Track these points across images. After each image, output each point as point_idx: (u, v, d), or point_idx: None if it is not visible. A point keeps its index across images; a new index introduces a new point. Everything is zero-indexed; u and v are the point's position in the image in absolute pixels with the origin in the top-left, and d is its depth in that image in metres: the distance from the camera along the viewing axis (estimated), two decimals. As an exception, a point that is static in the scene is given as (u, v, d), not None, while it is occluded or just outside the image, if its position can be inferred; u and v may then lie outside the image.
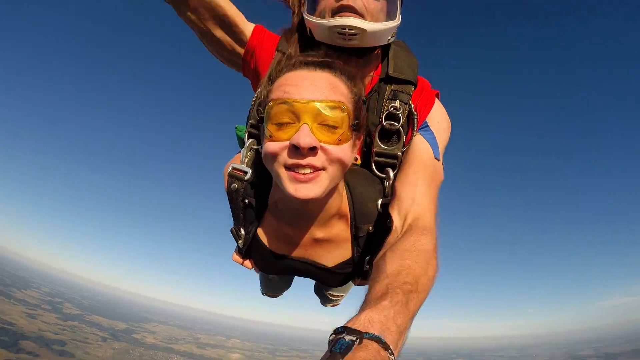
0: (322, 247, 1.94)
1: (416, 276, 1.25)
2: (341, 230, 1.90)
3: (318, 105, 1.50)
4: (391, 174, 1.90)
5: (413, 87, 1.98)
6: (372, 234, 1.88)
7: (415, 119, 1.93)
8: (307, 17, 1.92)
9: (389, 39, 1.94)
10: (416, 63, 2.06)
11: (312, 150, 1.48)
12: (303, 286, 2.67)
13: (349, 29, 1.77)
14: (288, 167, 1.51)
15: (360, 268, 2.00)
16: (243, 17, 2.07)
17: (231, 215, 2.04)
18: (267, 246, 2.00)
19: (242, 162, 1.92)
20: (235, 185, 1.88)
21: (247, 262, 2.20)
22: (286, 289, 3.37)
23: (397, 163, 1.92)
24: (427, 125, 1.95)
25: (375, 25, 1.82)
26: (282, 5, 2.16)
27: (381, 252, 1.45)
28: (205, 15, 2.00)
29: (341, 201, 1.82)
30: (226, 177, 1.94)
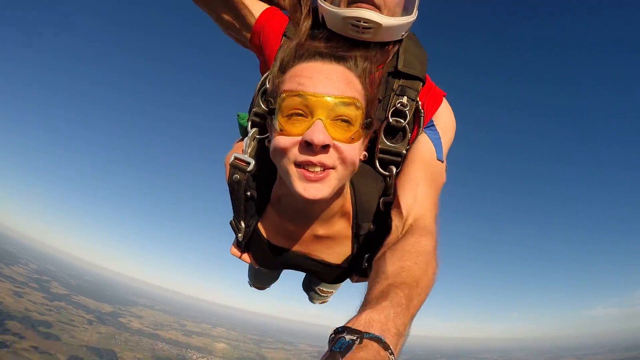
0: (323, 243, 1.92)
1: (416, 277, 1.25)
2: (343, 227, 1.88)
3: (333, 100, 1.46)
4: (394, 171, 1.84)
5: (421, 84, 1.92)
6: (373, 232, 1.86)
7: (422, 117, 1.88)
8: (321, 3, 1.85)
9: (402, 35, 1.90)
10: (425, 57, 2.00)
11: (325, 148, 1.45)
12: (292, 278, 2.62)
13: (363, 22, 1.73)
14: (298, 165, 1.47)
15: (358, 265, 2.00)
16: (254, 1, 2.03)
17: (231, 206, 1.98)
18: (268, 240, 1.97)
19: (244, 152, 1.86)
20: (237, 176, 1.83)
21: (245, 256, 2.17)
22: (274, 282, 3.39)
23: (401, 161, 1.86)
24: (433, 125, 1.91)
25: (392, 20, 1.77)
26: None
27: (381, 252, 1.44)
28: (215, 1, 2.04)
29: (345, 199, 1.79)
30: (228, 167, 1.88)
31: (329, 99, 1.45)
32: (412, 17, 1.86)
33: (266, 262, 2.17)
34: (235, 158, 1.84)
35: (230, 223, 2.07)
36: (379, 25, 1.74)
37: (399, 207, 1.66)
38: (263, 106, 1.88)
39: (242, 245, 2.10)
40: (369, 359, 0.87)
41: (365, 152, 1.72)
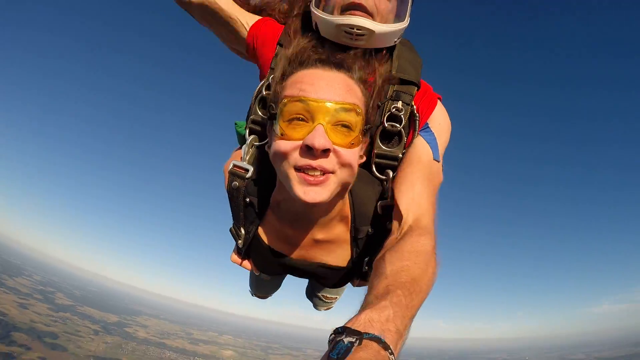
0: (322, 248, 1.93)
1: (415, 277, 1.26)
2: (341, 231, 1.89)
3: (334, 106, 1.48)
4: (391, 175, 1.85)
5: (416, 88, 1.93)
6: (372, 236, 1.88)
7: (417, 121, 1.89)
8: (314, 10, 1.87)
9: (395, 41, 1.92)
10: (420, 63, 2.01)
11: (325, 152, 1.47)
12: (296, 283, 2.66)
13: (357, 29, 1.73)
14: (298, 169, 1.49)
15: (359, 269, 2.01)
16: (245, 15, 2.10)
17: (231, 214, 2.00)
18: (268, 246, 1.98)
19: (243, 160, 1.88)
20: (236, 183, 1.85)
21: (246, 263, 2.18)
22: (276, 290, 3.36)
23: (397, 165, 1.88)
24: (429, 127, 1.92)
25: (384, 27, 1.78)
26: None
27: (381, 253, 1.45)
28: (210, 18, 2.14)
29: (343, 203, 1.81)
30: (227, 175, 1.90)
31: (330, 104, 1.48)
32: (404, 24, 1.87)
33: (266, 268, 2.19)
34: (234, 165, 1.86)
35: (230, 230, 2.08)
36: (371, 32, 1.75)
37: (397, 208, 1.67)
38: (260, 113, 1.91)
39: (243, 252, 2.11)
40: (369, 359, 0.87)
41: (363, 156, 1.74)
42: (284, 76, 1.64)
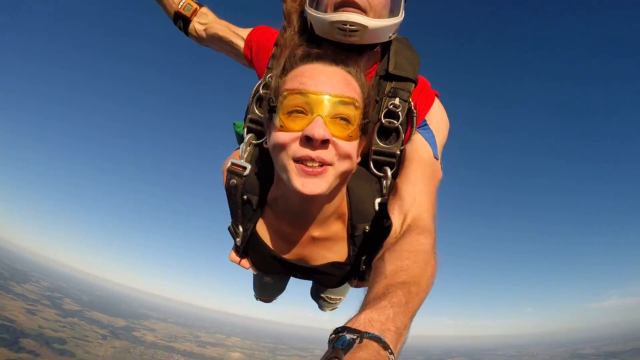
0: (319, 245, 1.93)
1: (415, 276, 1.25)
2: (338, 229, 1.89)
3: (333, 99, 1.50)
4: (389, 172, 1.87)
5: (413, 85, 1.94)
6: (369, 234, 1.87)
7: (415, 117, 1.89)
8: (308, 10, 1.88)
9: (390, 36, 1.90)
10: (418, 60, 2.01)
11: (324, 144, 1.47)
12: (302, 283, 2.67)
13: (349, 25, 1.74)
14: (297, 160, 1.49)
15: (356, 268, 2.00)
16: (240, 32, 2.20)
17: (229, 212, 2.01)
18: (265, 244, 1.98)
19: (241, 158, 1.90)
20: (234, 181, 1.86)
21: (245, 262, 2.18)
22: (280, 294, 3.34)
23: (395, 162, 1.88)
24: (426, 124, 1.92)
25: (377, 22, 1.78)
26: None
27: (380, 253, 1.44)
28: (217, 46, 2.34)
29: (340, 200, 1.80)
30: (225, 173, 1.92)
31: (329, 97, 1.49)
32: (398, 19, 1.86)
33: (264, 266, 2.18)
34: (232, 163, 1.88)
35: (229, 228, 2.09)
36: (364, 27, 1.75)
37: (396, 207, 1.66)
38: (258, 112, 1.94)
39: (241, 250, 2.10)
40: (369, 359, 0.87)
41: (359, 156, 1.73)
42: (285, 71, 1.66)
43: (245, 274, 2.40)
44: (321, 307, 3.54)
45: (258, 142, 1.93)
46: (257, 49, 2.10)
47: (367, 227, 1.86)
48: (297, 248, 1.94)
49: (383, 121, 1.87)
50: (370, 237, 1.87)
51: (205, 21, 2.32)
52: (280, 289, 3.21)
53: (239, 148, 2.02)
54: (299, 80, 1.55)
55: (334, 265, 1.99)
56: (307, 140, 1.46)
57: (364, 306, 1.12)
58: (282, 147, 1.52)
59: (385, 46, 2.00)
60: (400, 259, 1.32)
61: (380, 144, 1.89)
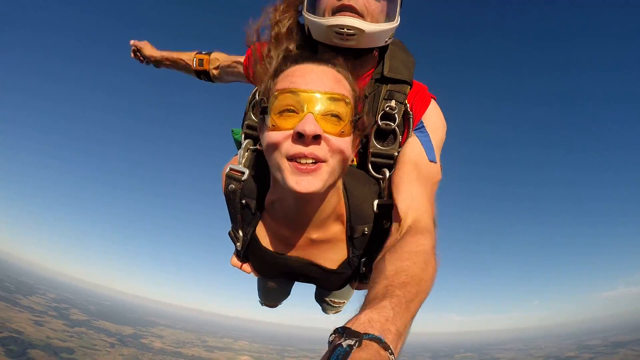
0: (319, 248, 1.93)
1: (415, 277, 1.25)
2: (337, 231, 1.89)
3: (324, 96, 1.51)
4: (387, 174, 1.87)
5: (409, 87, 1.97)
6: (368, 236, 1.88)
7: (411, 119, 1.91)
8: (306, 15, 1.90)
9: (386, 41, 1.93)
10: (412, 62, 2.04)
11: (316, 139, 1.48)
12: (308, 285, 2.66)
13: (347, 29, 1.75)
14: (290, 158, 1.49)
15: (356, 270, 2.01)
16: (240, 58, 2.46)
17: (229, 217, 2.03)
18: (265, 248, 1.98)
19: (239, 163, 1.92)
20: (232, 186, 1.87)
21: (246, 266, 2.20)
22: (284, 299, 3.37)
23: (393, 163, 1.89)
24: (423, 126, 1.92)
25: (374, 26, 1.80)
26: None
27: (380, 254, 1.44)
28: (226, 78, 2.72)
29: (338, 201, 1.80)
30: (224, 179, 1.93)
31: (319, 95, 1.51)
32: (394, 24, 1.88)
33: (265, 270, 2.19)
34: (231, 169, 1.89)
35: (229, 233, 2.11)
36: (361, 31, 1.76)
37: (395, 209, 1.67)
38: (255, 118, 1.96)
39: (242, 255, 2.12)
40: (369, 359, 0.87)
41: (354, 157, 1.77)
42: (276, 73, 1.66)
43: (250, 278, 2.45)
44: (325, 311, 3.62)
45: (255, 147, 1.95)
46: (253, 65, 2.12)
47: (366, 229, 1.86)
48: (297, 251, 1.94)
49: (380, 123, 1.90)
50: (370, 239, 1.88)
51: (216, 64, 2.68)
52: (285, 293, 3.25)
53: (237, 154, 2.04)
54: (289, 80, 1.56)
55: (334, 268, 1.99)
56: (299, 137, 1.46)
57: (364, 306, 1.12)
58: (275, 146, 1.52)
59: (382, 50, 2.02)
60: (401, 260, 1.32)
61: (378, 146, 1.91)
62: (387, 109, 1.90)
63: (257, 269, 2.20)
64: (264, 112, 1.61)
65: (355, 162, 1.99)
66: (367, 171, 1.93)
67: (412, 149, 1.86)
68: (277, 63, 1.71)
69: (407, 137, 1.91)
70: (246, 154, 1.94)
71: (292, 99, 1.51)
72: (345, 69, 1.67)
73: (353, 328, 0.95)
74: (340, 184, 1.78)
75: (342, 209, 1.84)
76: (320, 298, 3.44)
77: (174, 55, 3.01)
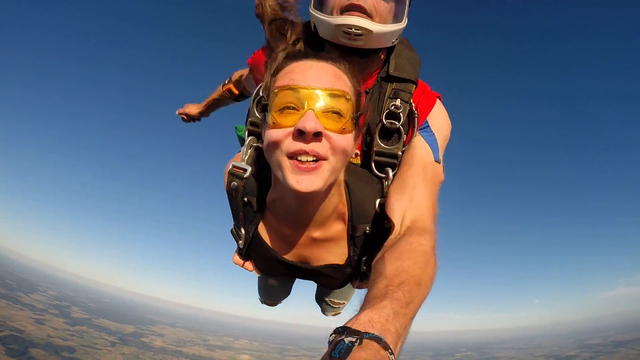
0: (320, 246, 1.92)
1: (415, 276, 1.25)
2: (339, 229, 1.88)
3: (324, 92, 1.49)
4: (390, 173, 1.87)
5: (414, 86, 1.96)
6: (370, 235, 1.86)
7: (416, 118, 1.91)
8: (313, 12, 1.88)
9: (393, 42, 1.92)
10: (418, 60, 2.04)
11: (317, 136, 1.46)
12: (309, 284, 2.66)
13: (355, 29, 1.75)
14: (291, 156, 1.48)
15: (357, 269, 2.00)
16: (246, 71, 2.62)
17: (231, 214, 2.02)
18: (267, 245, 1.98)
19: (242, 160, 1.91)
20: (235, 183, 1.87)
21: (248, 264, 2.19)
22: (285, 297, 3.34)
23: (397, 163, 1.89)
24: (428, 126, 1.92)
25: (382, 27, 1.79)
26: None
27: (380, 253, 1.43)
28: (248, 91, 2.85)
29: (339, 200, 1.79)
30: (226, 176, 1.92)
31: (319, 91, 1.49)
32: (402, 25, 1.88)
33: (267, 268, 2.18)
34: (233, 166, 1.88)
35: (231, 231, 2.09)
36: (369, 32, 1.76)
37: (396, 209, 1.66)
38: (258, 115, 1.94)
39: (244, 253, 2.11)
40: (369, 359, 0.87)
41: (357, 151, 1.77)
42: (277, 70, 1.65)
43: (251, 276, 2.42)
44: (324, 312, 3.60)
45: (258, 143, 1.92)
46: (256, 68, 2.18)
47: (368, 228, 1.85)
48: (298, 249, 1.94)
49: (384, 122, 1.88)
50: (371, 238, 1.86)
51: (240, 85, 2.87)
52: (285, 292, 3.22)
53: (240, 151, 2.05)
54: (289, 77, 1.55)
55: (335, 266, 1.98)
56: (300, 134, 1.45)
57: (364, 306, 1.12)
58: (275, 144, 1.50)
59: (389, 51, 2.01)
60: (401, 260, 1.31)
61: (382, 145, 1.90)
62: (392, 107, 1.89)
63: (259, 267, 2.19)
64: (264, 109, 1.60)
65: (358, 160, 1.98)
66: (370, 170, 1.92)
67: (417, 149, 1.86)
68: (278, 60, 1.70)
69: (411, 137, 1.90)
70: (249, 151, 1.93)
71: (292, 96, 1.50)
72: (346, 65, 1.66)
73: (353, 327, 0.96)
74: (342, 182, 1.77)
75: (344, 208, 1.83)
76: (320, 298, 3.43)
77: (210, 99, 3.23)
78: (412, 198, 1.67)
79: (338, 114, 1.50)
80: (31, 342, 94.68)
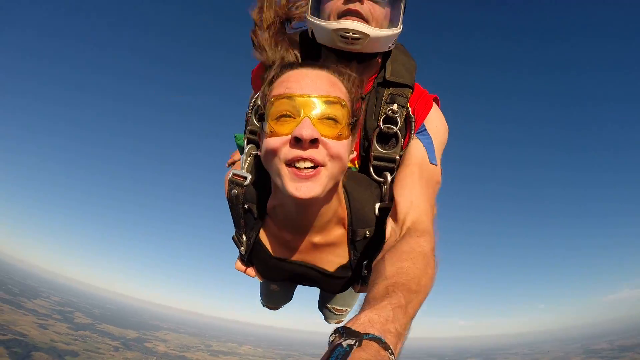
0: (321, 251, 1.95)
1: (414, 277, 1.26)
2: (339, 234, 1.90)
3: (319, 99, 1.51)
4: (389, 178, 1.89)
5: (410, 91, 1.98)
6: (370, 239, 1.88)
7: (413, 122, 1.93)
8: (310, 18, 1.90)
9: (389, 46, 1.94)
10: (414, 66, 2.06)
11: (314, 143, 1.48)
12: (312, 290, 2.71)
13: (352, 33, 1.77)
14: (288, 164, 1.50)
15: (358, 273, 2.02)
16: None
17: (233, 222, 2.05)
18: (268, 252, 2.01)
19: (241, 168, 1.94)
20: (235, 191, 1.90)
21: (250, 270, 2.21)
22: (286, 302, 3.35)
23: (395, 167, 1.91)
24: (425, 129, 1.94)
25: (379, 31, 1.81)
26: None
27: (380, 255, 1.46)
28: None
29: (339, 205, 1.81)
30: (227, 184, 1.95)
31: (315, 99, 1.51)
32: (397, 30, 1.90)
33: (268, 274, 2.22)
34: (233, 174, 1.91)
35: (233, 238, 2.11)
36: (366, 36, 1.78)
37: (395, 211, 1.69)
38: (256, 124, 1.96)
39: (246, 259, 2.13)
40: (369, 359, 0.87)
41: (355, 151, 1.77)
42: (273, 80, 1.68)
43: (253, 282, 2.47)
44: (327, 319, 3.53)
45: (257, 151, 1.91)
46: (257, 82, 2.16)
47: (368, 232, 1.87)
48: (299, 254, 1.96)
49: (382, 127, 1.91)
50: (372, 242, 1.88)
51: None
52: (287, 297, 3.23)
53: (240, 159, 2.06)
54: (284, 86, 1.57)
55: (336, 270, 2.00)
56: (297, 142, 1.47)
57: (363, 307, 1.13)
58: (273, 152, 1.52)
59: (385, 56, 2.04)
60: (400, 261, 1.33)
61: (380, 150, 1.93)
62: (389, 112, 1.91)
63: (261, 273, 2.22)
64: (261, 118, 1.63)
65: (356, 165, 2.02)
66: (369, 174, 1.95)
67: (414, 152, 1.88)
68: (274, 70, 1.72)
69: (408, 141, 1.93)
70: (248, 159, 1.96)
71: (288, 104, 1.51)
72: (341, 72, 1.68)
73: (353, 328, 0.96)
74: (341, 187, 1.80)
75: (344, 213, 1.85)
76: (323, 305, 3.42)
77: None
78: (411, 200, 1.69)
79: (334, 120, 1.53)
80: (34, 345, 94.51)
